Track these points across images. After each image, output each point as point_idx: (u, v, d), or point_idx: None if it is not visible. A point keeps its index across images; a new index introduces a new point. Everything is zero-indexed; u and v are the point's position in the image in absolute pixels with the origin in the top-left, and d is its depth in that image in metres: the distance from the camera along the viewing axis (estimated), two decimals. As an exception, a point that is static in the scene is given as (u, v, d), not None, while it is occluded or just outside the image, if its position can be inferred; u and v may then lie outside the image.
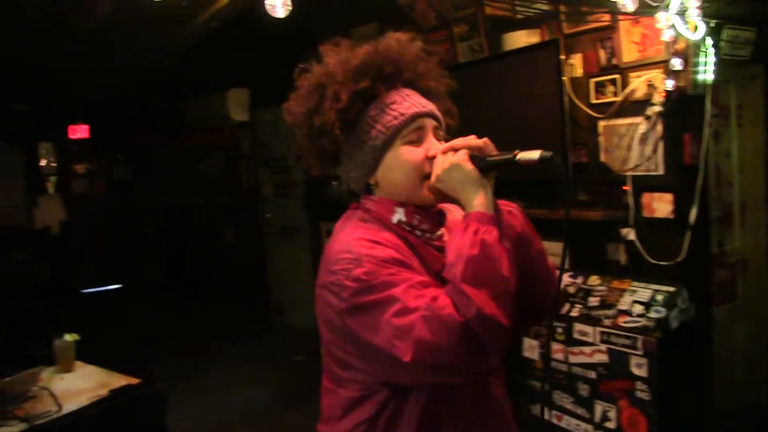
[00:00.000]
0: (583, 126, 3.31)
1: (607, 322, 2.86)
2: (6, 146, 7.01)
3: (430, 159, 1.25)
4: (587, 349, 2.92)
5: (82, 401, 2.37)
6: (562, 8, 3.24)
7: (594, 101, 3.25)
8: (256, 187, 6.84)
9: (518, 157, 1.17)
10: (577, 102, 3.28)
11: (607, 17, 3.09)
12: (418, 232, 1.28)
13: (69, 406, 2.32)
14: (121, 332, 6.18)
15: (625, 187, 3.09)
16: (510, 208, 1.35)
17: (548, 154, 1.15)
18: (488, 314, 1.06)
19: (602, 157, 3.23)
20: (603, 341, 2.85)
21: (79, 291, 7.20)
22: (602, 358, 2.86)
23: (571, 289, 3.13)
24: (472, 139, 1.23)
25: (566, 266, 1.36)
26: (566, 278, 3.21)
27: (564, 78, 3.22)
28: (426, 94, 1.34)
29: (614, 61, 3.13)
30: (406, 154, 1.26)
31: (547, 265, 1.39)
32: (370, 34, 4.63)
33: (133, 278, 8.36)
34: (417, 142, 1.27)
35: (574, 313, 3.02)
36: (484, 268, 1.10)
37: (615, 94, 3.14)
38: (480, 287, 1.08)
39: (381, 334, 1.10)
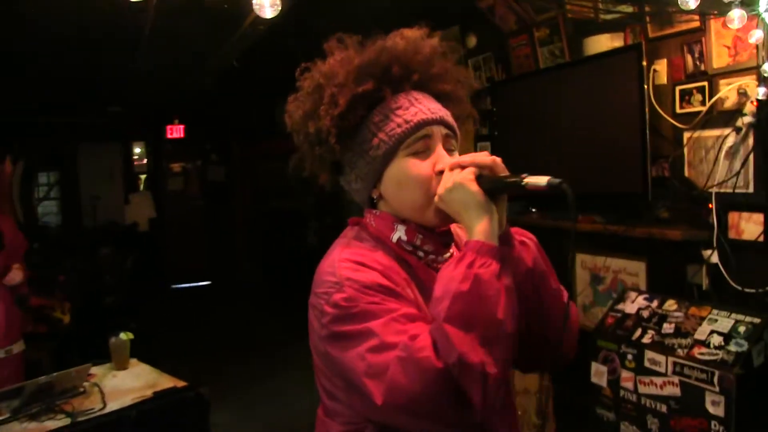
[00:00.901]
0: (667, 137, 3.06)
1: (680, 352, 2.61)
2: (106, 146, 7.53)
3: (438, 174, 1.12)
4: (658, 380, 2.68)
5: (126, 401, 2.43)
6: (648, 9, 3.01)
7: (679, 111, 2.99)
8: (339, 189, 6.89)
9: (525, 181, 1.04)
10: (660, 111, 3.04)
11: (696, 19, 2.83)
12: (420, 254, 1.18)
13: (113, 405, 2.39)
14: (205, 328, 6.40)
15: (709, 205, 2.82)
16: (524, 238, 1.22)
17: (557, 180, 1.02)
18: (472, 362, 0.93)
19: (686, 172, 2.97)
20: (675, 372, 2.60)
21: (167, 286, 7.58)
22: (674, 391, 2.61)
23: (645, 313, 2.89)
24: (481, 156, 1.10)
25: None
26: (641, 301, 2.97)
27: (646, 86, 2.98)
28: (440, 98, 1.22)
29: (702, 67, 2.87)
30: (410, 167, 1.14)
31: (562, 307, 1.21)
32: (453, 37, 4.55)
33: (223, 276, 8.67)
34: (424, 153, 1.15)
35: (647, 339, 2.78)
36: (474, 308, 0.97)
37: (702, 103, 2.88)
38: (466, 329, 0.95)
39: (356, 369, 1.00)
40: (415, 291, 1.13)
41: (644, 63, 2.97)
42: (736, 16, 2.32)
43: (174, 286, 8.46)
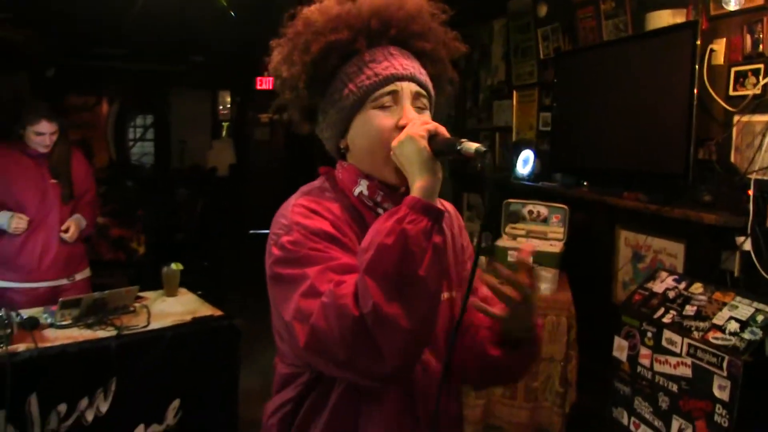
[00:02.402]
0: (717, 119, 2.99)
1: (696, 334, 2.62)
2: (197, 94, 7.92)
3: (400, 129, 1.12)
4: (673, 360, 2.71)
5: (167, 322, 2.71)
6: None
7: (732, 93, 2.90)
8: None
9: (461, 144, 1.05)
10: (712, 92, 2.96)
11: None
12: (379, 211, 1.18)
13: (155, 325, 2.67)
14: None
15: (748, 192, 2.76)
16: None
17: (483, 149, 1.03)
18: (386, 312, 0.93)
19: (732, 157, 2.90)
20: (689, 354, 2.62)
21: (245, 230, 7.95)
22: (686, 372, 2.63)
23: (671, 294, 2.89)
24: (438, 125, 1.11)
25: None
26: (670, 281, 2.97)
27: (698, 66, 2.91)
28: (420, 56, 1.22)
29: (761, 48, 2.77)
30: (373, 119, 1.15)
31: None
32: (524, 6, 4.53)
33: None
34: (390, 107, 1.15)
35: (667, 319, 2.79)
36: (395, 262, 0.96)
37: (756, 86, 2.78)
38: (385, 282, 0.95)
39: (288, 310, 1.05)
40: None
41: (698, 42, 2.90)
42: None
43: (252, 231, 8.87)
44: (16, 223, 3.05)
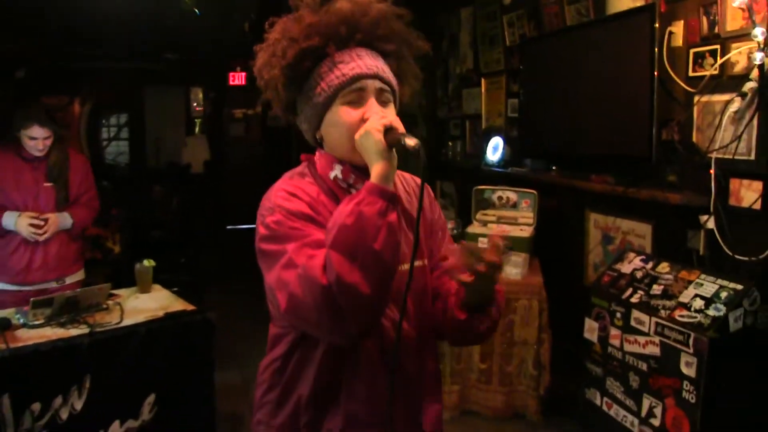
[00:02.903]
0: (679, 100, 3.03)
1: (663, 313, 2.67)
2: (171, 90, 7.87)
3: (366, 121, 1.27)
4: (641, 339, 2.76)
5: (140, 318, 2.69)
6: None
7: (692, 74, 2.95)
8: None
9: (405, 140, 1.19)
10: (672, 74, 3.01)
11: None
12: (353, 191, 1.33)
13: (128, 321, 2.66)
14: (250, 266, 6.73)
15: (710, 171, 2.81)
16: None
17: (417, 146, 1.17)
18: (347, 282, 1.10)
19: (694, 137, 2.95)
20: (657, 333, 2.67)
21: (222, 226, 7.94)
22: (654, 350, 2.68)
23: (639, 274, 2.94)
24: (395, 118, 1.27)
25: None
26: (637, 262, 3.02)
27: (658, 48, 2.95)
28: (385, 55, 1.36)
29: (716, 30, 2.82)
30: (342, 114, 1.29)
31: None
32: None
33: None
34: (357, 103, 1.29)
35: (635, 299, 2.84)
36: (354, 239, 1.12)
37: (714, 66, 2.83)
38: (346, 256, 1.11)
39: (271, 281, 1.23)
40: None
41: (657, 24, 2.94)
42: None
43: (229, 227, 8.84)
44: (27, 223, 3.05)
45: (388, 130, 1.22)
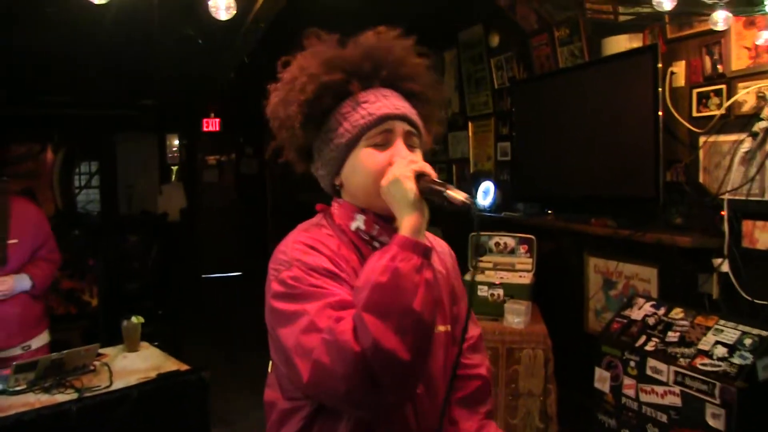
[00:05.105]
0: (683, 141, 2.98)
1: (683, 361, 2.54)
2: (143, 138, 7.72)
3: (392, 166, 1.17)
4: (659, 389, 2.62)
5: (131, 380, 2.51)
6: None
7: (696, 114, 2.91)
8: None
9: (447, 192, 1.09)
10: (676, 114, 2.96)
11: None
12: (376, 244, 1.23)
13: (118, 384, 2.47)
14: (230, 317, 6.49)
15: (722, 213, 2.73)
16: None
17: (469, 200, 1.08)
18: (385, 348, 0.98)
19: (701, 177, 2.89)
20: (677, 382, 2.53)
21: (198, 276, 7.71)
22: (675, 401, 2.54)
23: (651, 321, 2.82)
24: (427, 164, 1.16)
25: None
26: (648, 308, 2.90)
27: (660, 88, 2.90)
28: (409, 96, 1.27)
29: (721, 69, 2.78)
30: (367, 157, 1.19)
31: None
32: (476, 37, 4.52)
33: (254, 268, 8.76)
34: (383, 146, 1.19)
35: (650, 347, 2.71)
36: (391, 299, 1.01)
37: (719, 106, 2.79)
38: (382, 318, 0.99)
39: (289, 345, 1.08)
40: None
41: (659, 65, 2.90)
42: (721, 18, 2.28)
43: (205, 276, 8.59)
44: None
45: (420, 177, 1.11)
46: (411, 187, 1.09)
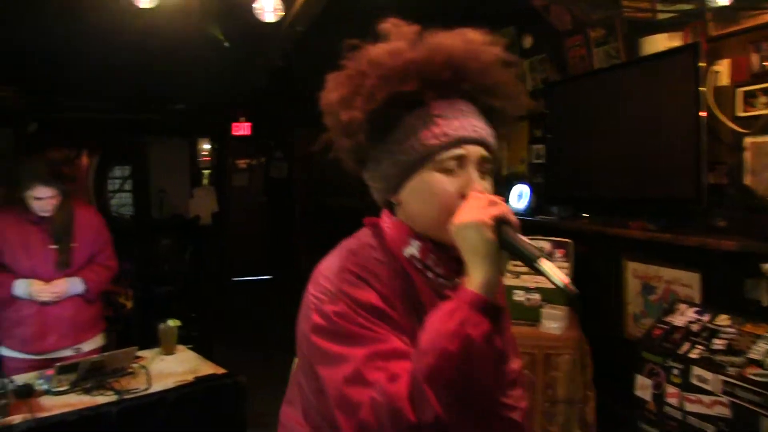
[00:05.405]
0: (726, 142, 2.89)
1: (732, 371, 2.46)
2: (175, 142, 7.82)
3: (462, 198, 1.03)
4: (706, 399, 2.53)
5: (169, 383, 2.57)
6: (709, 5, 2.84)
7: (741, 114, 2.82)
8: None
9: (541, 264, 0.94)
10: (719, 115, 2.87)
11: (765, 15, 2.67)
12: (430, 274, 1.10)
13: (156, 387, 2.53)
14: (261, 320, 6.51)
15: (770, 215, 2.64)
16: None
17: (572, 290, 0.92)
18: (446, 423, 0.88)
19: (746, 179, 2.80)
20: (726, 392, 2.45)
21: (228, 279, 7.78)
22: (724, 411, 2.45)
23: (695, 327, 2.74)
24: (509, 209, 1.00)
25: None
26: (691, 314, 2.82)
27: (703, 87, 2.82)
28: (487, 113, 1.12)
29: (768, 68, 2.70)
30: (436, 183, 1.05)
31: None
32: (508, 37, 4.46)
33: (283, 271, 8.80)
34: (454, 171, 1.05)
35: (694, 354, 2.63)
36: (459, 371, 0.90)
37: (767, 105, 2.70)
38: (447, 391, 0.89)
39: (330, 393, 0.98)
40: (412, 317, 1.05)
41: (702, 63, 2.81)
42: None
43: (235, 279, 8.65)
44: (38, 290, 2.82)
45: (501, 225, 0.96)
46: (490, 236, 0.95)
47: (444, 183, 1.05)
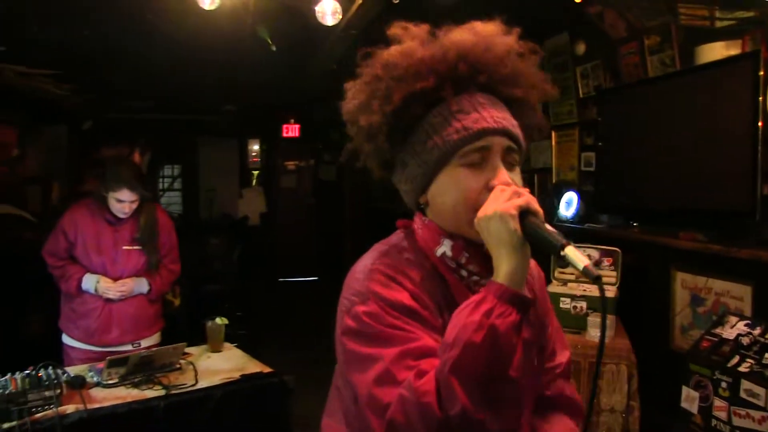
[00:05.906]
0: (784, 153, 2.83)
1: (782, 385, 2.41)
2: (225, 142, 7.98)
3: (489, 191, 1.01)
4: (756, 414, 2.49)
5: (215, 380, 2.60)
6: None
7: (800, 125, 2.76)
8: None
9: (566, 251, 0.92)
10: (778, 125, 2.82)
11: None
12: (463, 272, 1.09)
13: (203, 383, 2.56)
14: (307, 321, 6.60)
15: (827, 229, 2.59)
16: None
17: (593, 272, 0.91)
18: (474, 417, 0.87)
19: (803, 192, 2.74)
20: (776, 407, 2.41)
21: (275, 279, 7.89)
22: (773, 427, 2.41)
23: (745, 340, 2.69)
24: (533, 199, 0.98)
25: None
26: (742, 326, 2.77)
27: (761, 97, 2.78)
28: (509, 103, 1.10)
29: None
30: (460, 179, 1.04)
31: None
32: (562, 44, 4.45)
33: (330, 273, 8.90)
34: (479, 164, 1.04)
35: (744, 368, 2.59)
36: (485, 362, 0.88)
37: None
38: (473, 383, 0.88)
39: (360, 392, 0.99)
40: (445, 316, 1.05)
41: (761, 72, 2.77)
42: None
43: (281, 279, 8.78)
44: (105, 287, 2.96)
45: (525, 214, 0.95)
46: (515, 226, 0.94)
47: (469, 178, 1.04)
